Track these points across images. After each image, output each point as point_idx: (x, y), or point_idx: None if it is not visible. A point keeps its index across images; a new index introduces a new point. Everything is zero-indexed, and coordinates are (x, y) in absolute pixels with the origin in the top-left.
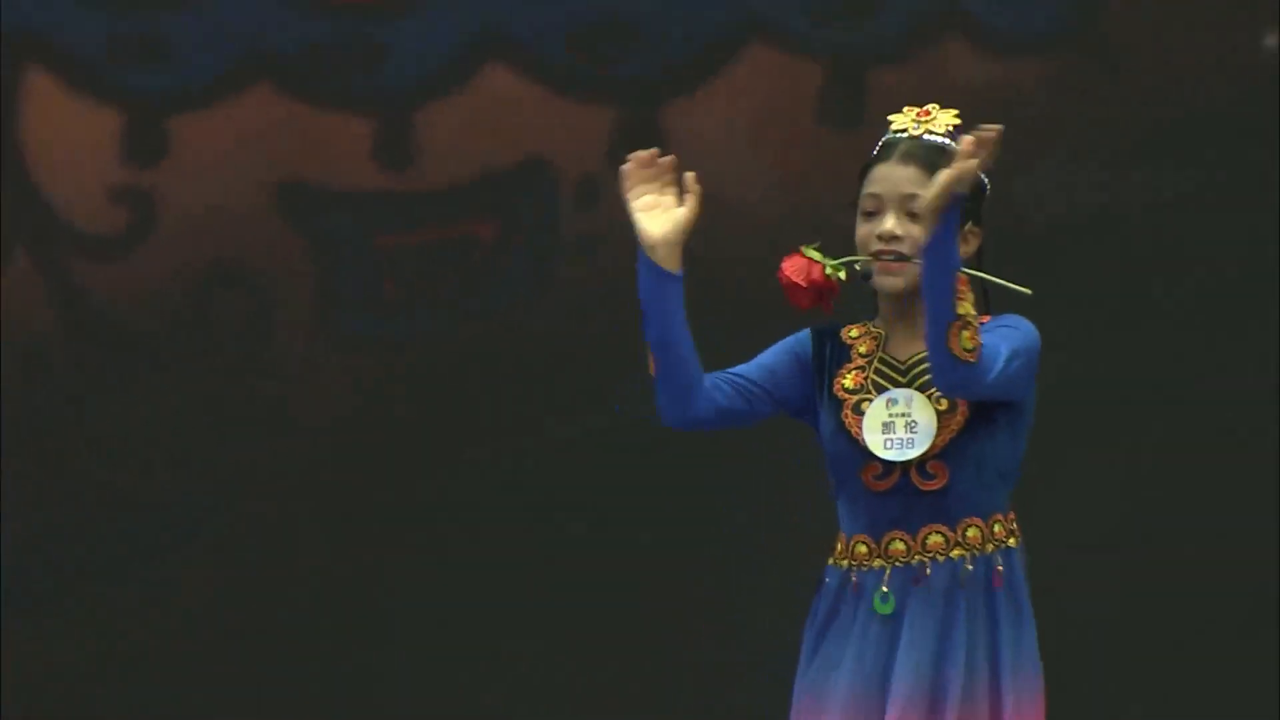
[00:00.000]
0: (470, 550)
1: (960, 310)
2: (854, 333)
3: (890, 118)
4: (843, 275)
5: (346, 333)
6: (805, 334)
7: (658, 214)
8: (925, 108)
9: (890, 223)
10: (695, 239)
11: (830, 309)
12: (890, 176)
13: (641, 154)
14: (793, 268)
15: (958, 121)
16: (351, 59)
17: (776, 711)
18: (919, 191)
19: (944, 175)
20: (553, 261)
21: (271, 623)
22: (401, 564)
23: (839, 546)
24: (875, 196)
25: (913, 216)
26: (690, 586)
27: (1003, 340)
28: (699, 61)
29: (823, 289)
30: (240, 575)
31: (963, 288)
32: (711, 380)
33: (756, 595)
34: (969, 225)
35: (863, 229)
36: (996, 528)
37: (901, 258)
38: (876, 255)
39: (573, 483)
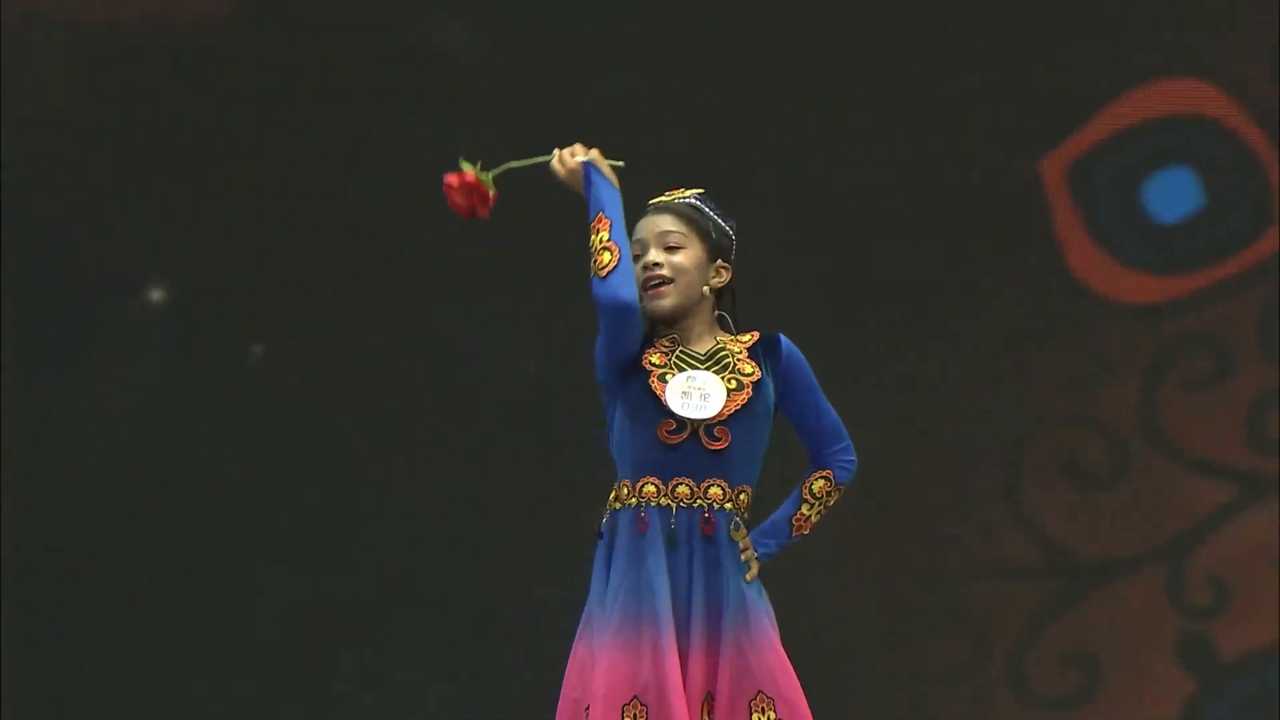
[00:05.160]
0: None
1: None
2: (659, 339)
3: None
4: (492, 190)
5: None
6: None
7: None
8: (679, 188)
9: (652, 254)
10: None
11: (487, 214)
12: (648, 224)
13: None
14: (450, 175)
15: (699, 190)
16: None
17: None
18: (671, 229)
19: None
20: None
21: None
22: None
23: (624, 490)
24: (640, 241)
25: (669, 250)
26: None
27: (822, 402)
28: None
29: (475, 194)
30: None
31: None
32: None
33: None
34: (719, 261)
35: (635, 267)
36: (744, 497)
37: (664, 281)
38: (645, 284)
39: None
